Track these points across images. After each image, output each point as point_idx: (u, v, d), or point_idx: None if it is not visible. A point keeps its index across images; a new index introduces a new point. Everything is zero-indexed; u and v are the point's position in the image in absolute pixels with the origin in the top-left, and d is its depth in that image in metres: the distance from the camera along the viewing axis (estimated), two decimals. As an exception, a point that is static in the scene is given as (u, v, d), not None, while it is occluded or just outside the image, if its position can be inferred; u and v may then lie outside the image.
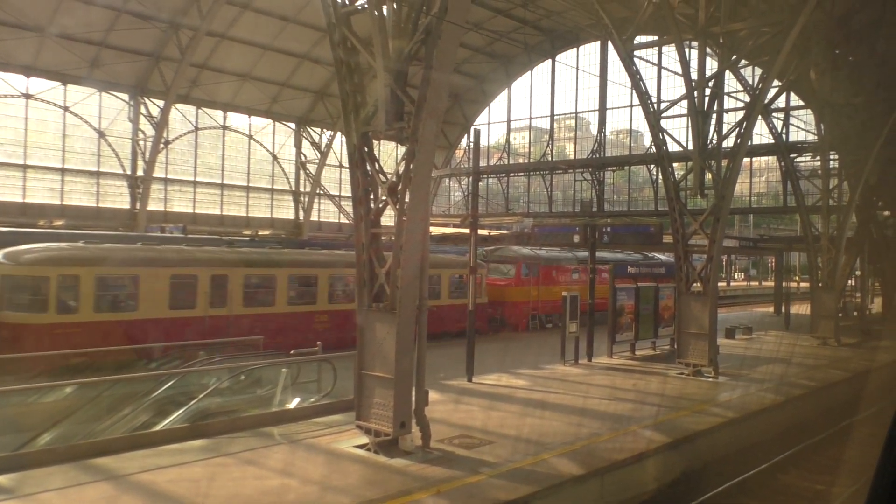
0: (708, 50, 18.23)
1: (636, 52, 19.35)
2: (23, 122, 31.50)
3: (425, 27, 9.79)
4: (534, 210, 43.44)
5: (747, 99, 18.15)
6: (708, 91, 17.68)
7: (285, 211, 41.94)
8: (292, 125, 41.37)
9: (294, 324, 19.67)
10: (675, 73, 31.27)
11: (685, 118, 23.58)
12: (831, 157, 25.96)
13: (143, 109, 34.13)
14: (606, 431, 11.69)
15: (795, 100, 33.24)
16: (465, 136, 47.17)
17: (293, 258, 21.46)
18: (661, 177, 20.36)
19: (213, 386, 12.91)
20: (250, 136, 40.08)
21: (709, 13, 17.47)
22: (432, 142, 10.18)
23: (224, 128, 38.82)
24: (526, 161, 45.99)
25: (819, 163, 26.74)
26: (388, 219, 10.78)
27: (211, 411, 12.34)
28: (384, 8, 10.21)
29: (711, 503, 10.45)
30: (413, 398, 10.26)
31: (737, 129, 17.60)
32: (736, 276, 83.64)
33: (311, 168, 42.09)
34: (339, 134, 40.99)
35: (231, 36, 34.07)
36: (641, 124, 39.85)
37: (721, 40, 17.73)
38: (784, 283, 40.91)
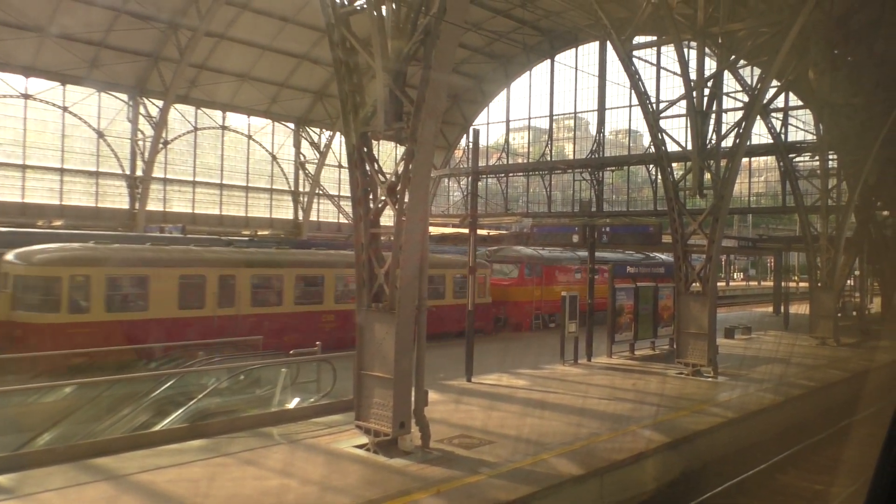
0: (707, 50, 18.25)
1: (635, 53, 19.36)
2: (22, 123, 31.50)
3: (424, 27, 9.80)
4: (533, 210, 43.43)
5: (746, 99, 18.16)
6: (707, 91, 17.69)
7: (284, 211, 41.94)
8: (291, 125, 41.38)
9: (301, 323, 19.73)
10: (674, 74, 31.30)
11: (684, 118, 23.58)
12: (830, 157, 25.98)
13: (142, 109, 34.12)
14: (606, 431, 11.70)
15: (794, 100, 33.26)
16: (465, 136, 47.18)
17: (300, 258, 21.58)
18: (660, 177, 20.37)
19: (213, 386, 12.91)
20: (249, 137, 40.08)
21: (707, 13, 17.48)
22: (431, 142, 10.19)
23: (223, 128, 38.81)
24: (525, 161, 46.00)
25: (818, 163, 26.75)
26: (387, 219, 10.78)
27: (210, 411, 12.34)
28: (383, 8, 10.21)
29: (710, 503, 10.46)
30: (412, 398, 10.27)
31: (736, 129, 17.61)
32: (735, 276, 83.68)
33: (311, 168, 42.09)
34: (338, 134, 41.00)
35: (230, 36, 34.06)
36: (640, 124, 39.86)
37: (720, 40, 17.74)
38: (783, 283, 40.94)
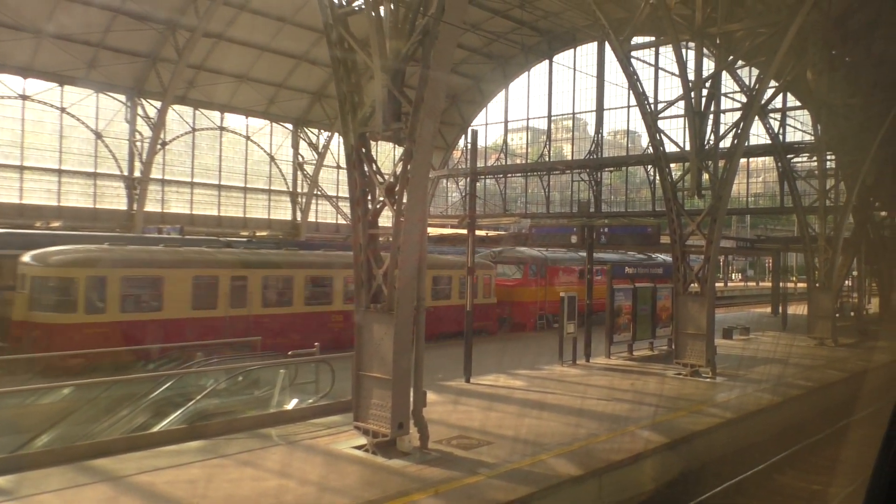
0: (705, 51, 18.26)
1: (633, 53, 19.39)
2: (20, 124, 31.42)
3: (422, 28, 9.80)
4: (531, 211, 43.44)
5: (744, 100, 18.17)
6: (705, 92, 17.71)
7: (283, 212, 41.91)
8: (290, 126, 41.35)
9: (311, 323, 19.88)
10: (672, 74, 31.41)
11: (682, 119, 23.61)
12: (828, 157, 25.99)
13: (140, 110, 34.07)
14: (604, 432, 11.70)
15: (792, 100, 33.30)
16: (463, 136, 47.17)
17: (309, 260, 21.77)
18: (658, 177, 20.37)
19: (211, 387, 12.90)
20: (247, 137, 40.05)
21: (705, 14, 17.49)
22: (430, 142, 10.19)
23: (221, 129, 38.77)
24: (523, 162, 46.01)
25: (816, 163, 26.77)
26: (385, 219, 10.78)
27: (209, 412, 12.33)
28: (381, 8, 10.21)
29: None
30: (411, 399, 10.26)
31: (734, 130, 17.62)
32: (733, 277, 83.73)
33: (309, 169, 42.05)
34: (336, 135, 41.01)
35: (228, 37, 34.03)
36: (639, 125, 39.91)
37: (718, 41, 17.75)
38: (781, 284, 40.97)
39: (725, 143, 17.73)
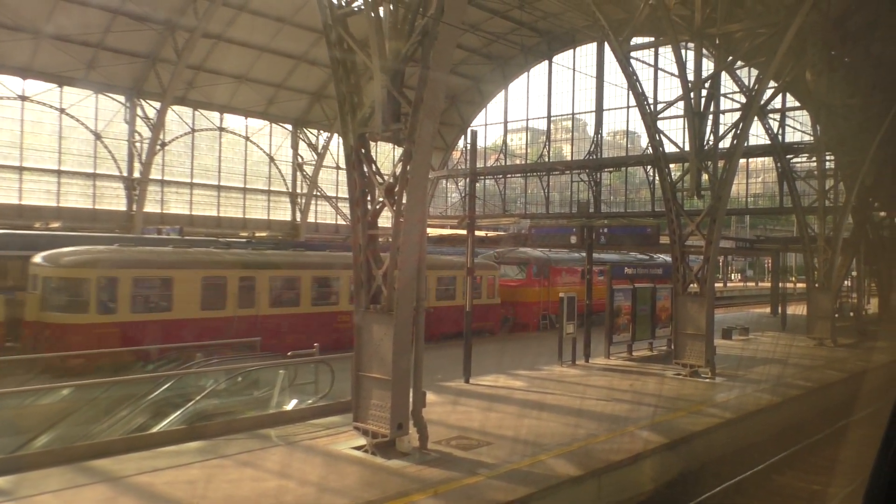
0: (704, 51, 18.26)
1: (633, 54, 19.39)
2: (19, 124, 31.41)
3: (422, 28, 9.80)
4: (531, 211, 43.44)
5: (743, 100, 18.18)
6: (704, 92, 17.71)
7: (282, 212, 41.90)
8: (289, 126, 41.34)
9: (318, 323, 20.00)
10: (672, 75, 31.41)
11: (682, 119, 23.64)
12: (827, 158, 26.00)
13: (139, 111, 34.07)
14: (603, 432, 11.70)
15: (791, 101, 33.31)
16: (462, 137, 47.18)
17: (315, 260, 21.93)
18: (657, 178, 20.38)
19: (211, 388, 12.90)
20: (247, 138, 40.04)
21: (705, 14, 17.50)
22: (429, 143, 10.19)
23: (220, 129, 38.77)
24: (523, 162, 46.01)
25: (815, 164, 26.78)
26: (385, 220, 10.77)
27: (208, 413, 12.34)
28: (380, 9, 10.21)
29: (708, 504, 10.48)
30: (410, 399, 10.26)
31: (733, 130, 17.62)
32: (732, 277, 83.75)
33: (308, 169, 42.06)
34: (335, 135, 41.01)
35: (227, 37, 34.03)
36: (638, 125, 39.95)
37: (717, 41, 17.75)
38: (780, 284, 40.97)
39: (725, 143, 17.73)
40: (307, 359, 13.91)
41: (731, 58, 18.07)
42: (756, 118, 23.37)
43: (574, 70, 42.44)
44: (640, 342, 21.12)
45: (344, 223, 42.30)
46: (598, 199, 39.28)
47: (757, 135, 31.79)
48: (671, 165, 18.98)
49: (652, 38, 22.29)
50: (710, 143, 17.71)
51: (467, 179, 21.32)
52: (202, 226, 36.41)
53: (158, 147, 34.69)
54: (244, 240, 27.96)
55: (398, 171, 10.10)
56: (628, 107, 39.59)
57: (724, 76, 18.28)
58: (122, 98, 33.91)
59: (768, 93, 24.77)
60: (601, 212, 38.69)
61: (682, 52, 18.21)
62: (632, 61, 19.07)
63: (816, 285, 26.03)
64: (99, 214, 33.46)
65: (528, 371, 17.64)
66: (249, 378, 13.71)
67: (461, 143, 47.62)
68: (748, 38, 17.77)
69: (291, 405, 12.94)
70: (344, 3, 10.68)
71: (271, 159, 41.04)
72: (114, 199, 34.31)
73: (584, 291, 19.76)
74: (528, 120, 45.73)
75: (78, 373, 14.11)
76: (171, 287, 17.65)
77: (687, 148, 17.99)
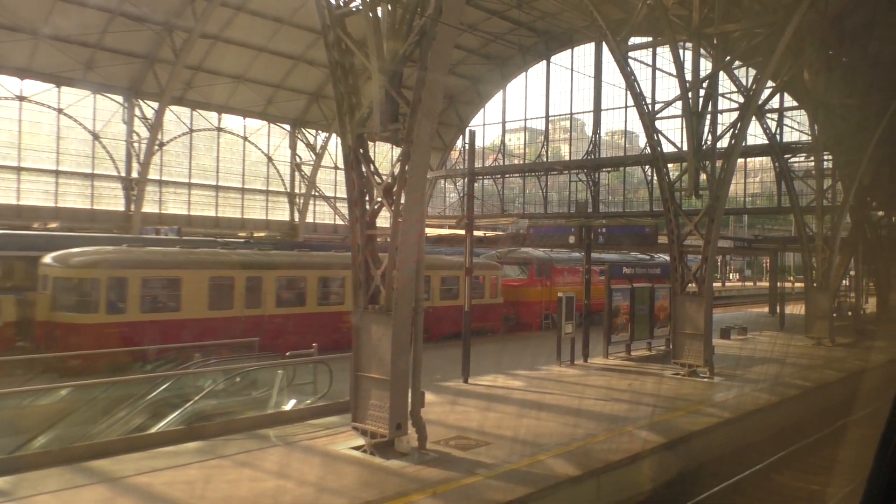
0: (702, 51, 18.27)
1: (631, 54, 19.39)
2: (17, 125, 31.39)
3: (420, 28, 9.79)
4: (529, 211, 43.45)
5: (741, 100, 18.18)
6: (702, 92, 17.72)
7: (280, 213, 41.88)
8: (287, 127, 41.33)
9: (323, 323, 20.13)
10: (670, 75, 31.43)
11: (680, 119, 23.66)
12: (825, 157, 26.03)
13: (137, 111, 34.04)
14: (602, 432, 11.71)
15: (789, 100, 33.32)
16: (461, 137, 47.20)
17: (321, 261, 22.08)
18: (655, 178, 20.38)
19: (209, 388, 12.90)
20: (245, 138, 40.02)
21: (702, 14, 17.51)
22: (427, 143, 10.19)
23: (219, 129, 38.74)
24: (521, 162, 46.00)
25: (813, 163, 26.81)
26: (383, 220, 10.77)
27: (207, 413, 12.33)
28: (378, 9, 10.21)
29: None
30: (409, 399, 10.26)
31: (731, 130, 17.63)
32: (731, 277, 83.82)
33: (307, 170, 42.04)
34: (334, 135, 40.99)
35: (225, 38, 34.01)
36: (636, 125, 39.97)
37: (715, 41, 17.76)
38: (779, 284, 41.01)
39: (723, 143, 17.74)
40: (305, 359, 13.91)
41: (728, 57, 18.08)
42: (754, 118, 23.41)
43: (572, 70, 42.48)
44: (638, 342, 21.13)
45: (342, 223, 42.29)
46: (596, 199, 39.31)
47: (755, 134, 31.82)
48: (669, 165, 18.99)
49: (650, 38, 22.25)
50: (708, 142, 17.72)
51: (465, 179, 21.30)
52: (200, 226, 36.39)
53: (156, 147, 34.68)
54: (243, 240, 27.96)
55: (396, 171, 10.10)
56: (626, 107, 39.62)
57: (722, 76, 18.27)
58: (120, 98, 33.88)
59: (766, 92, 24.76)
60: (599, 212, 38.71)
61: (680, 51, 18.22)
62: (630, 61, 19.08)
63: (814, 285, 26.06)
64: (97, 215, 33.44)
65: (526, 371, 17.65)
66: (248, 378, 13.71)
67: (459, 143, 47.63)
68: (746, 37, 17.78)
69: (290, 405, 12.93)
70: (342, 4, 10.68)
71: (269, 159, 41.02)
72: (112, 200, 34.28)
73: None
74: (526, 120, 45.74)
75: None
76: (180, 287, 17.84)
77: (685, 148, 18.00)
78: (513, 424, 12.15)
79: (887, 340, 26.71)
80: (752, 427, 13.83)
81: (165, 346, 15.78)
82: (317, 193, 43.00)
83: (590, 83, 41.71)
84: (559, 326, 18.63)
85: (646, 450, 10.94)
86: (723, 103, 23.10)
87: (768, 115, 30.33)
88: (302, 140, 41.77)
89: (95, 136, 33.55)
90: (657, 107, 19.21)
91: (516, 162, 46.31)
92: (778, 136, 32.04)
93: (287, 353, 14.08)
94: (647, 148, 21.49)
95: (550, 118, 44.41)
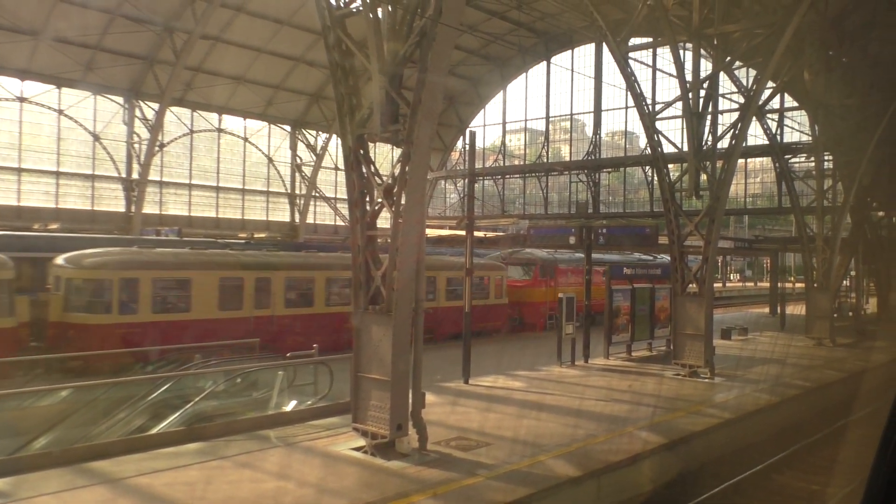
0: (702, 51, 18.27)
1: (631, 54, 19.40)
2: (17, 126, 31.40)
3: (420, 29, 9.80)
4: (529, 212, 43.45)
5: (741, 100, 18.19)
6: (702, 92, 17.73)
7: (281, 213, 41.89)
8: (287, 128, 41.33)
9: (331, 323, 20.22)
10: (670, 75, 31.45)
11: (680, 120, 23.66)
12: (825, 158, 26.03)
13: (137, 112, 34.05)
14: (603, 433, 11.71)
15: (790, 101, 33.32)
16: (461, 138, 47.19)
17: (330, 261, 22.20)
18: (656, 178, 20.39)
19: (210, 389, 12.90)
20: (245, 139, 40.02)
21: (702, 15, 17.51)
22: (428, 144, 10.19)
23: (219, 130, 38.75)
24: (521, 163, 46.00)
25: (813, 164, 26.81)
26: (384, 221, 10.77)
27: (207, 414, 12.33)
28: (379, 10, 10.22)
29: (708, 504, 10.47)
30: (410, 400, 10.26)
31: (731, 131, 17.63)
32: (731, 277, 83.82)
33: (307, 170, 42.05)
34: (334, 136, 40.99)
35: (226, 39, 34.02)
36: (636, 126, 39.99)
37: (715, 42, 17.77)
38: (779, 284, 41.00)
39: (723, 143, 17.75)
40: (306, 360, 13.91)
41: (729, 58, 18.09)
42: (754, 118, 23.40)
43: (572, 71, 42.49)
44: (638, 342, 21.13)
45: (343, 224, 42.29)
46: (596, 200, 39.29)
47: (755, 135, 31.83)
48: (670, 166, 19.00)
49: (650, 39, 22.30)
50: (709, 143, 17.72)
51: (466, 180, 21.32)
52: (201, 227, 36.40)
53: (157, 148, 34.68)
54: (244, 241, 27.98)
55: (397, 171, 10.10)
56: (626, 107, 39.63)
57: (723, 76, 18.28)
58: (120, 99, 33.88)
59: (766, 93, 24.76)
60: (600, 212, 38.71)
61: (681, 52, 18.22)
62: (630, 62, 19.09)
63: (815, 285, 26.06)
64: (97, 216, 33.44)
65: (527, 371, 17.64)
66: (248, 379, 13.72)
67: (460, 143, 47.63)
68: (746, 38, 17.79)
69: (290, 406, 12.93)
70: (342, 5, 10.68)
71: (270, 160, 41.02)
72: (112, 201, 34.29)
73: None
74: (526, 121, 45.74)
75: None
76: (190, 288, 18.05)
77: (685, 148, 18.00)
78: (513, 425, 12.15)
79: (888, 341, 26.71)
80: (752, 427, 13.83)
81: (164, 347, 15.76)
82: (317, 194, 43.01)
83: (590, 84, 41.72)
84: (559, 327, 18.63)
85: (646, 450, 10.93)
86: (723, 104, 23.13)
87: (768, 115, 30.34)
88: (302, 141, 41.77)
89: (96, 138, 33.56)
90: (657, 107, 19.22)
91: (517, 163, 46.31)
92: (778, 137, 32.04)
93: (287, 354, 14.09)
94: (648, 148, 21.49)
95: (551, 119, 44.41)
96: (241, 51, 35.13)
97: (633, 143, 43.41)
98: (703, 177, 17.83)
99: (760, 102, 23.24)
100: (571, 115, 43.67)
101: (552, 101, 43.89)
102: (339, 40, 10.60)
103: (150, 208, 35.17)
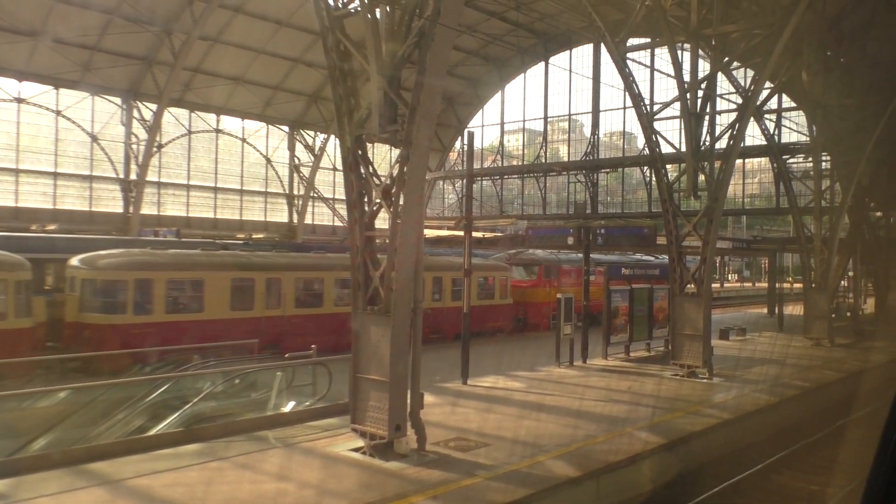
0: (700, 52, 18.29)
1: (629, 55, 19.40)
2: (15, 127, 31.37)
3: (418, 30, 9.80)
4: (528, 212, 43.47)
5: (740, 101, 18.21)
6: (700, 93, 17.74)
7: (279, 214, 41.87)
8: (286, 128, 41.33)
9: (340, 323, 20.18)
10: (668, 76, 31.42)
11: (678, 120, 23.62)
12: (823, 158, 26.06)
13: (135, 113, 34.03)
14: (602, 433, 11.71)
15: (788, 101, 33.36)
16: (459, 138, 47.13)
17: (338, 262, 22.20)
18: (654, 178, 20.40)
19: (208, 390, 12.89)
20: (244, 140, 40.01)
21: (701, 15, 17.53)
22: (426, 144, 10.19)
23: (217, 131, 38.73)
24: (520, 163, 46.02)
25: (811, 164, 26.83)
26: (382, 221, 10.77)
27: (206, 415, 12.33)
28: (377, 11, 10.21)
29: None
30: (408, 401, 10.25)
31: (729, 131, 17.65)
32: (729, 278, 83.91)
33: (305, 171, 42.04)
34: (332, 137, 40.97)
35: (224, 40, 34.02)
36: (635, 126, 39.97)
37: (713, 42, 17.79)
38: (777, 284, 41.02)
39: (721, 144, 17.76)
40: (304, 360, 13.90)
41: (727, 58, 18.10)
42: (752, 119, 23.42)
43: (570, 71, 42.51)
44: (637, 343, 21.13)
45: (341, 225, 42.28)
46: (594, 200, 39.31)
47: (753, 135, 31.85)
48: (668, 166, 19.02)
49: (648, 40, 22.31)
50: (707, 143, 17.73)
51: (464, 181, 21.32)
52: (199, 227, 36.39)
53: (155, 149, 34.65)
54: (241, 241, 27.96)
55: (395, 172, 10.10)
56: (625, 108, 39.66)
57: (721, 77, 18.29)
58: (118, 100, 33.86)
59: (764, 93, 24.79)
60: (598, 212, 38.72)
61: (679, 53, 18.23)
62: (628, 62, 19.09)
63: (813, 285, 26.07)
64: (95, 216, 33.41)
65: (526, 372, 17.64)
66: (247, 380, 13.71)
67: (458, 144, 47.60)
68: (744, 38, 17.81)
69: (289, 407, 12.93)
70: (341, 5, 10.68)
71: (268, 161, 41.01)
72: (110, 202, 34.27)
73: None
74: (524, 121, 45.77)
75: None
76: (203, 289, 18.29)
77: (683, 149, 18.02)
78: (512, 426, 12.15)
79: (886, 341, 26.73)
80: (751, 428, 13.83)
81: (163, 348, 15.76)
82: (315, 195, 43.00)
83: (588, 84, 41.75)
84: (558, 327, 18.63)
85: (645, 451, 10.94)
86: (721, 104, 23.14)
87: (767, 115, 30.37)
88: (300, 141, 41.77)
89: (94, 138, 33.53)
90: (656, 108, 19.23)
91: (515, 163, 46.32)
92: (776, 137, 32.07)
93: (286, 355, 14.09)
94: (646, 149, 21.51)
95: (549, 119, 44.44)
96: (240, 51, 35.13)
97: (632, 144, 43.44)
98: (702, 177, 17.84)
99: (759, 103, 23.28)
100: (570, 115, 43.72)
101: (550, 102, 43.95)
102: (337, 41, 10.60)
103: (148, 209, 35.15)
